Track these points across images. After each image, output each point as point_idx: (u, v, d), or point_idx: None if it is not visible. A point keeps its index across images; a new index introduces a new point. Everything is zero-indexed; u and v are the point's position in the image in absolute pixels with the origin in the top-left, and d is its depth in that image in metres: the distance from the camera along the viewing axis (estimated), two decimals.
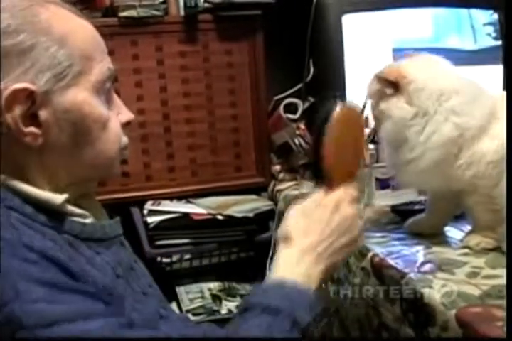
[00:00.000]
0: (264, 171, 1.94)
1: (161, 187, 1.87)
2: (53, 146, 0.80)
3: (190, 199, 1.88)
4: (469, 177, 1.14)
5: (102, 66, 0.83)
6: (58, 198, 0.81)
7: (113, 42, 1.74)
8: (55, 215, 0.80)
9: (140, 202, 1.85)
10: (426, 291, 1.03)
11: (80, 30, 0.83)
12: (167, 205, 1.84)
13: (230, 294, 1.86)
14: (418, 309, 1.03)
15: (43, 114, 0.78)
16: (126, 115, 0.90)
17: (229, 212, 1.80)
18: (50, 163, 0.81)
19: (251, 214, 1.77)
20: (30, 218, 0.77)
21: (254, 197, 1.92)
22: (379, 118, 1.22)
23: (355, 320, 1.28)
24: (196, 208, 1.82)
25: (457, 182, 1.16)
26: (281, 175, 1.93)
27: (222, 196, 1.90)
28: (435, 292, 1.02)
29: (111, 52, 1.79)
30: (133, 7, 1.74)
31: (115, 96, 0.89)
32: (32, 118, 0.77)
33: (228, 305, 1.80)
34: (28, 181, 0.80)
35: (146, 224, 1.78)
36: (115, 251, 0.88)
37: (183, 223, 1.77)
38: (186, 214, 1.79)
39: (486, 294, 0.99)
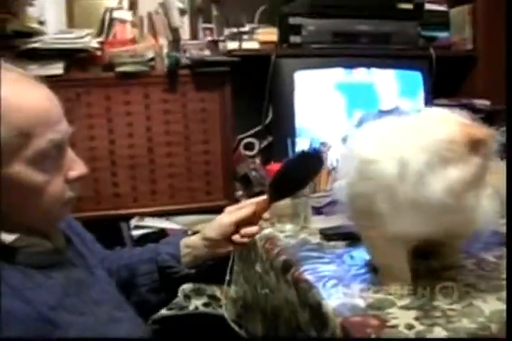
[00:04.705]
0: (229, 195, 1.98)
1: (145, 207, 1.92)
2: None
3: (169, 217, 1.92)
4: None
5: (42, 140, 0.78)
6: (8, 238, 0.80)
7: (110, 91, 1.83)
8: (9, 250, 0.79)
9: (127, 218, 1.89)
10: (324, 302, 1.04)
11: (22, 109, 0.77)
12: (149, 221, 1.88)
13: (199, 293, 1.88)
14: (319, 317, 1.05)
15: None
16: (78, 170, 0.85)
17: (198, 228, 1.83)
18: None
19: None
20: None
21: None
22: None
23: (283, 320, 1.28)
24: (172, 224, 1.87)
25: None
26: (243, 199, 1.93)
27: (195, 215, 1.93)
28: (330, 303, 1.03)
29: (108, 98, 1.88)
30: (126, 64, 1.82)
31: (68, 155, 0.85)
32: None
33: (196, 303, 1.82)
34: None
35: (131, 236, 1.83)
36: (66, 272, 0.87)
37: (159, 236, 1.79)
38: (163, 230, 1.84)
39: (369, 305, 1.00)
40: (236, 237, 1.11)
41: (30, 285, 0.79)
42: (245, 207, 1.13)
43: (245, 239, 1.12)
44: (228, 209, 1.16)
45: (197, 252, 1.13)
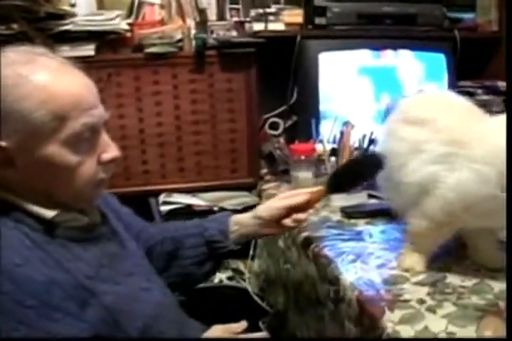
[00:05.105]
0: (254, 173, 2.00)
1: (173, 183, 1.95)
2: (32, 181, 0.84)
3: (195, 193, 1.95)
4: None
5: (76, 123, 0.83)
6: (49, 214, 0.86)
7: (140, 71, 1.86)
8: (51, 224, 0.86)
9: (156, 194, 1.93)
10: (341, 277, 1.09)
11: (59, 95, 0.81)
12: (177, 197, 1.91)
13: (223, 267, 1.90)
14: (336, 290, 1.10)
15: (19, 160, 0.82)
16: (111, 153, 0.89)
17: (223, 204, 1.87)
18: (34, 188, 0.85)
19: (239, 207, 1.83)
20: (31, 228, 0.83)
21: (245, 193, 1.98)
22: None
23: (303, 293, 1.33)
24: (198, 200, 1.90)
25: None
26: (267, 177, 1.99)
27: (220, 191, 1.96)
28: (348, 277, 1.08)
29: (137, 78, 1.90)
30: (155, 45, 1.83)
31: (102, 138, 0.89)
32: (10, 161, 0.82)
33: (220, 276, 1.86)
34: (27, 200, 0.85)
35: (159, 211, 1.86)
36: (102, 245, 0.93)
37: (186, 212, 1.84)
38: (189, 205, 1.87)
39: (385, 281, 1.05)
40: (287, 221, 1.16)
41: (69, 257, 0.86)
42: (300, 195, 1.17)
43: (294, 224, 1.17)
44: (281, 195, 1.22)
45: (244, 230, 1.18)
